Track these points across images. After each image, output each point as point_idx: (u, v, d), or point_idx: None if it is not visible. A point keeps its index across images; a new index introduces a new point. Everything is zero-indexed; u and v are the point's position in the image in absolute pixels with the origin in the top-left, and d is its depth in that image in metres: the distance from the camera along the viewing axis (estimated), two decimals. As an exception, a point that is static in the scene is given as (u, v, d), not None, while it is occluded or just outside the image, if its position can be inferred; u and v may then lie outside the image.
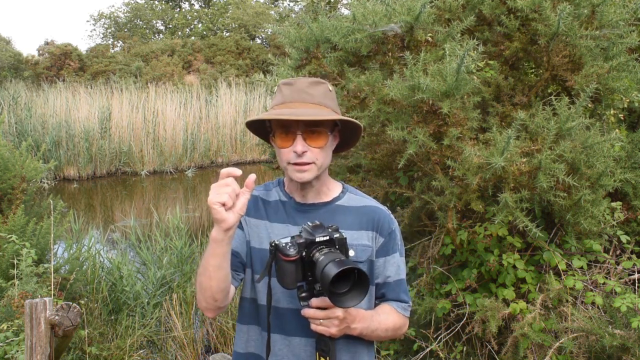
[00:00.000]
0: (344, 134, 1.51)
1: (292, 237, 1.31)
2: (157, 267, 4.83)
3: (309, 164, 1.39)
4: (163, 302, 4.24)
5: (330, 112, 1.41)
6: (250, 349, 1.48)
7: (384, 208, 1.53)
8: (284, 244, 1.29)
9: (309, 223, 1.33)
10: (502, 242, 2.76)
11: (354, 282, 1.21)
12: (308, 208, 1.48)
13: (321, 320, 1.30)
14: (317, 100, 1.41)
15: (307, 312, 1.32)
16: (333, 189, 1.53)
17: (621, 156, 2.80)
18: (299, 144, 1.37)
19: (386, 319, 1.46)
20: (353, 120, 1.44)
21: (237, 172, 1.22)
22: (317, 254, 1.26)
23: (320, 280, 1.23)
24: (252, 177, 1.22)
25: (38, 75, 23.57)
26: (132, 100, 14.76)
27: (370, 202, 1.54)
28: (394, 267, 1.49)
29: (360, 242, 1.45)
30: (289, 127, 1.39)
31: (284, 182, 1.55)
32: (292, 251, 1.27)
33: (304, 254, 1.28)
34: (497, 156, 2.28)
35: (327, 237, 1.28)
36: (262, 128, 1.52)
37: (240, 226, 1.49)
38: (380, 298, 1.51)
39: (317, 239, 1.28)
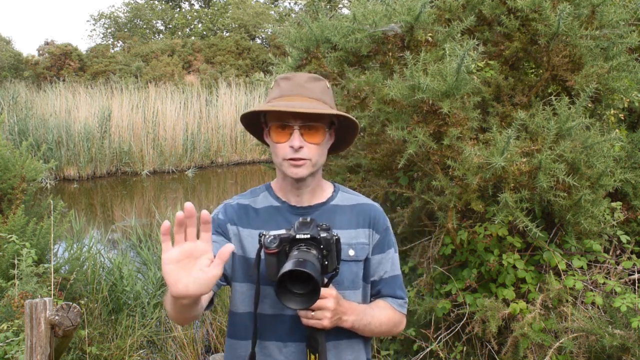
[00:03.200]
0: (340, 133, 1.48)
1: (279, 232, 1.30)
2: (158, 267, 4.82)
3: (304, 159, 1.36)
4: (163, 302, 4.23)
5: (328, 108, 1.38)
6: None
7: (377, 204, 1.52)
8: (268, 237, 1.28)
9: (300, 219, 1.32)
10: (502, 242, 2.76)
11: (310, 290, 1.18)
12: (304, 211, 1.44)
13: (313, 313, 1.28)
14: (316, 96, 1.38)
15: None
16: (326, 188, 1.51)
17: (621, 156, 2.80)
18: (296, 139, 1.33)
19: (380, 313, 1.44)
20: (351, 117, 1.41)
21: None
22: (294, 251, 1.25)
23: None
24: (229, 247, 1.00)
25: (38, 75, 23.58)
26: (132, 100, 14.77)
27: (363, 199, 1.52)
28: (389, 263, 1.49)
29: (358, 240, 1.44)
30: (286, 121, 1.34)
31: (272, 187, 1.50)
32: (272, 244, 1.27)
33: (287, 249, 1.27)
34: (497, 156, 2.28)
35: (308, 235, 1.26)
36: (256, 123, 1.48)
37: (224, 235, 1.43)
38: (376, 295, 1.49)
39: (297, 236, 1.27)
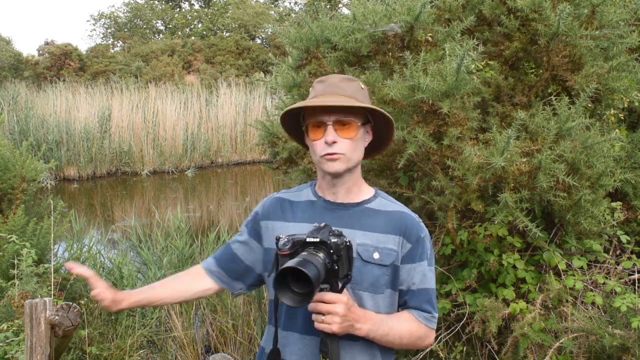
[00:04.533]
0: (377, 132, 1.52)
1: (294, 235, 1.34)
2: (158, 267, 4.83)
3: (338, 154, 1.41)
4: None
5: (361, 104, 1.43)
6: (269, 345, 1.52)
7: (415, 215, 1.52)
8: (282, 239, 1.33)
9: (315, 224, 1.35)
10: (502, 242, 2.76)
11: (308, 291, 1.21)
12: (336, 207, 1.48)
13: (323, 317, 1.29)
14: (349, 94, 1.43)
15: (310, 306, 1.32)
16: (364, 191, 1.52)
17: (621, 156, 2.80)
18: (330, 134, 1.40)
19: (400, 325, 1.43)
20: (384, 111, 1.44)
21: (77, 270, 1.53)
22: (304, 253, 1.28)
23: None
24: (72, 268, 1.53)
25: (38, 75, 23.59)
26: (132, 100, 14.77)
27: (401, 208, 1.52)
28: (419, 275, 1.47)
29: (386, 245, 1.44)
30: (321, 119, 1.41)
31: (315, 184, 1.57)
32: (285, 247, 1.31)
33: (299, 251, 1.30)
34: (497, 156, 2.28)
35: (318, 239, 1.29)
36: (297, 128, 1.54)
37: (256, 236, 1.56)
38: (403, 306, 1.49)
39: (307, 240, 1.30)
